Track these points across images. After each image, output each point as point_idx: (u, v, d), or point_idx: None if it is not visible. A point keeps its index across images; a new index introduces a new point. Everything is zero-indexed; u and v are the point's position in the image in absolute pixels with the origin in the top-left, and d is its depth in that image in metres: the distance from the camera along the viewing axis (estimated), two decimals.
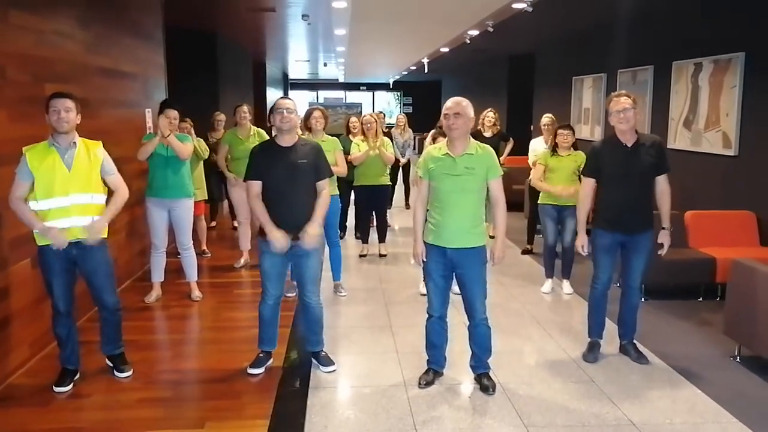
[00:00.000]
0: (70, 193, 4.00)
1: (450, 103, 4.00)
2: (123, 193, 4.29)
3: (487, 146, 4.10)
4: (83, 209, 4.06)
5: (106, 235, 4.24)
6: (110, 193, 4.30)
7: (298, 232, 4.21)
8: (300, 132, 6.77)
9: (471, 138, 4.06)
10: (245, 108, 7.16)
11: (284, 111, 4.17)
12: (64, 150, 4.02)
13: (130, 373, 4.39)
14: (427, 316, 4.28)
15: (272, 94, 19.83)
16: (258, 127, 7.38)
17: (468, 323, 4.23)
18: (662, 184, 4.55)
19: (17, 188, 3.95)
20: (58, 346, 4.28)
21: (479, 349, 4.24)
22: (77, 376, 4.35)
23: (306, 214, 4.24)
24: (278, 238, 4.15)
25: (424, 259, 4.12)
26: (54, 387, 4.19)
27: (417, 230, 4.14)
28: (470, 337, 4.25)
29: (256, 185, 4.24)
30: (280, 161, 4.18)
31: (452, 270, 4.11)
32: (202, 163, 7.71)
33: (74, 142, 4.07)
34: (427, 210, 4.19)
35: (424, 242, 4.12)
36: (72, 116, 4.00)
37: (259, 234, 4.31)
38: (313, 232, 4.23)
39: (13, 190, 3.96)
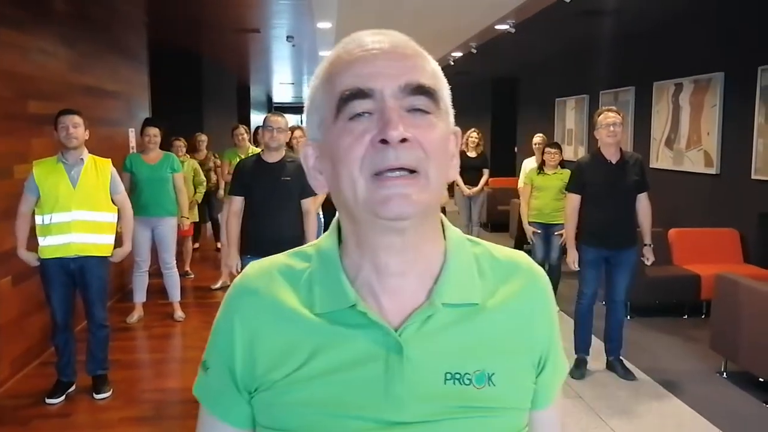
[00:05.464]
0: (73, 210, 4.02)
1: None
2: (129, 213, 4.41)
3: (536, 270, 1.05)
4: (85, 226, 4.08)
5: (109, 254, 4.27)
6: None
7: (279, 249, 4.16)
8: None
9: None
10: (242, 129, 7.24)
11: (275, 131, 4.14)
12: (71, 166, 4.06)
13: (107, 395, 4.30)
14: None
15: (256, 117, 19.83)
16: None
17: None
18: (643, 202, 4.59)
19: (22, 202, 4.04)
20: (56, 354, 4.29)
21: None
22: (71, 389, 4.32)
23: (288, 232, 4.19)
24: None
25: None
26: (46, 399, 4.17)
27: None
28: None
29: (239, 201, 4.25)
30: (265, 177, 4.17)
31: None
32: (193, 186, 7.69)
33: (82, 159, 4.10)
34: None
35: None
36: (80, 132, 4.07)
37: (240, 253, 4.28)
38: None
39: (20, 203, 4.04)
